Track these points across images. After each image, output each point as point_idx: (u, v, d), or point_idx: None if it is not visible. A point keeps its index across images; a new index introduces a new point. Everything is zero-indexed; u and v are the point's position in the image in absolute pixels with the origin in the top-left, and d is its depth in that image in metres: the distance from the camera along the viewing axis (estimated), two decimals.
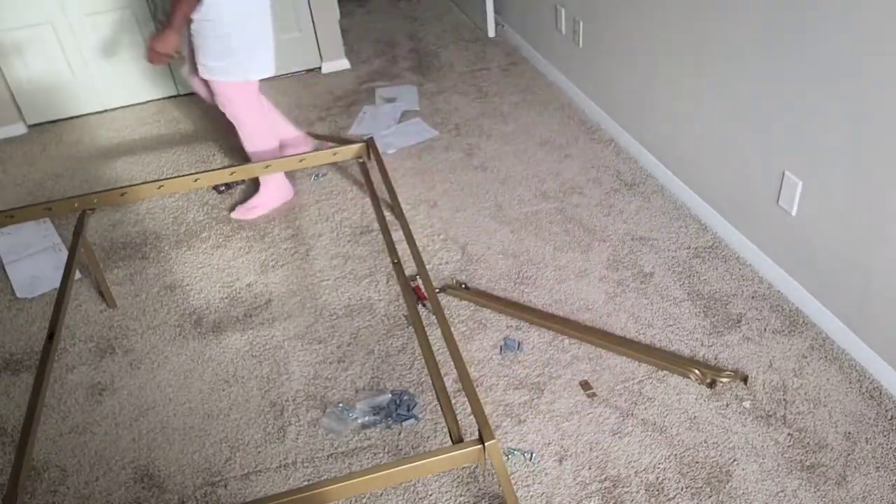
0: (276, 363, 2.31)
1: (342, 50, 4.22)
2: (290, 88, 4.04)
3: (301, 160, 2.48)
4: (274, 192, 3.02)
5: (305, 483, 1.95)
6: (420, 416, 2.09)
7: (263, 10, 2.67)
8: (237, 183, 3.19)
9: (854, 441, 1.92)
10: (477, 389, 2.13)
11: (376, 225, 2.88)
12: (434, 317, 2.40)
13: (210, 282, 2.67)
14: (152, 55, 2.65)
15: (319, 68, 4.23)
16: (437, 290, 2.52)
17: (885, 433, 1.93)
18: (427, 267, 2.64)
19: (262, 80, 2.79)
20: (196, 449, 2.06)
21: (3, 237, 2.99)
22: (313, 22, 4.07)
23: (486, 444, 1.48)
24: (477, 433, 1.50)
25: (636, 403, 2.07)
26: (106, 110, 3.99)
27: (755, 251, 2.48)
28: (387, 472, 1.47)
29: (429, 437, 2.03)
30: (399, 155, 3.34)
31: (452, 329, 2.34)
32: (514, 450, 1.97)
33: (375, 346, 2.33)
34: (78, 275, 2.72)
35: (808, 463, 1.88)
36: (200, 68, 2.70)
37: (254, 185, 3.11)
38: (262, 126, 2.91)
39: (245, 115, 2.84)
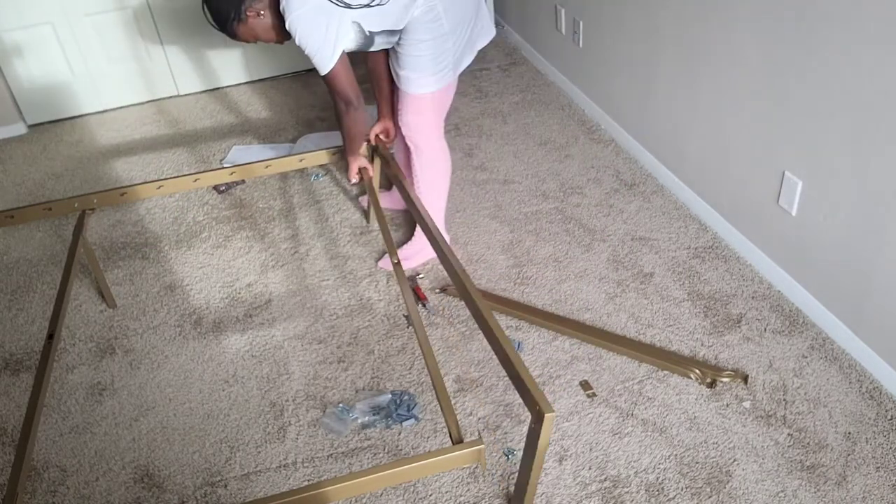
0: (276, 363, 2.31)
1: None
2: (290, 88, 4.04)
3: (301, 160, 2.48)
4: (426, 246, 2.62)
5: (305, 483, 1.94)
6: (420, 416, 2.09)
7: None
8: (237, 183, 3.19)
9: (854, 441, 1.92)
10: (477, 390, 2.13)
11: (376, 225, 2.88)
12: (434, 317, 2.41)
13: (210, 282, 2.67)
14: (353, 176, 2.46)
15: None
16: (437, 291, 2.52)
17: (885, 433, 1.93)
18: (427, 267, 2.64)
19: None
20: (196, 449, 2.06)
21: None
22: None
23: (545, 415, 1.30)
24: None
25: (636, 403, 2.07)
26: (106, 110, 3.99)
27: (755, 251, 2.48)
28: (387, 472, 1.47)
29: (429, 437, 2.03)
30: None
31: (452, 329, 2.35)
32: (515, 450, 1.97)
33: (375, 346, 2.33)
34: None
35: (808, 463, 1.87)
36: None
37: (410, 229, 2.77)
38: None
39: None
